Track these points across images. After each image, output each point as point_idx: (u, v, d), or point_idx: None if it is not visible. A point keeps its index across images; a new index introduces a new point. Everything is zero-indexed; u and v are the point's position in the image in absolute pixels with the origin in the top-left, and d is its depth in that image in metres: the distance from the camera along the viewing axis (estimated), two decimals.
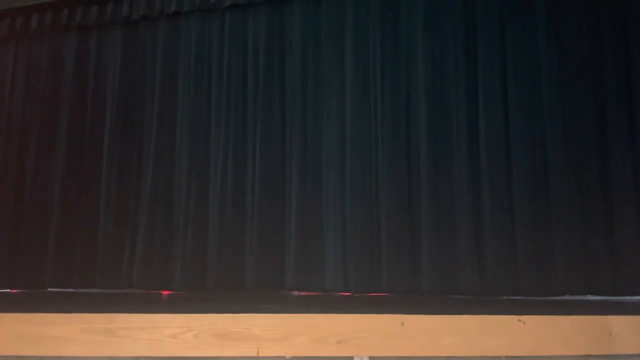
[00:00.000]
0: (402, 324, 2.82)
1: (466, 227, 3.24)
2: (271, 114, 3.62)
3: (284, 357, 2.48)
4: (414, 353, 2.79)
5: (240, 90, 3.75)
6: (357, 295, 3.31)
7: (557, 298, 3.11)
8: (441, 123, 3.38)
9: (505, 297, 3.13)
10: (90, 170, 3.88)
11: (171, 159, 3.77)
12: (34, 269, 3.73)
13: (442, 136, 3.37)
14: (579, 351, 2.76)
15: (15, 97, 4.08)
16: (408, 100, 3.45)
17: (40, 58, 4.13)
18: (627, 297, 3.06)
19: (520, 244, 3.17)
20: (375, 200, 3.37)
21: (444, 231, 3.25)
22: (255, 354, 2.53)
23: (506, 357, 2.77)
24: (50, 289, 3.70)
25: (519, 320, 2.78)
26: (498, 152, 3.29)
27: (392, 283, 3.26)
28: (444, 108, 3.40)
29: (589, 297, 3.10)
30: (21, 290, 3.69)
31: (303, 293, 3.35)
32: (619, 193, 3.14)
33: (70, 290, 3.63)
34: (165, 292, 3.63)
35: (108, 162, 3.85)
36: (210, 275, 3.50)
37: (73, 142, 3.94)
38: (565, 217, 3.15)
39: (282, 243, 3.41)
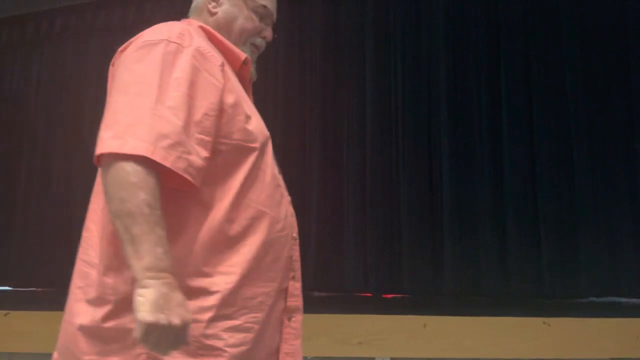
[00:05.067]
0: (424, 325, 2.80)
1: (489, 228, 3.19)
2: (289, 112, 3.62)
3: (305, 357, 2.48)
4: (435, 355, 2.76)
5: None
6: (377, 296, 3.29)
7: (583, 300, 3.05)
8: (463, 124, 3.35)
9: (529, 299, 3.08)
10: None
11: None
12: (58, 267, 3.80)
13: (464, 138, 3.33)
14: (605, 354, 2.71)
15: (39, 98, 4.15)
16: (429, 100, 3.42)
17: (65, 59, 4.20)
18: None
19: (545, 245, 3.12)
20: (396, 201, 3.35)
21: (467, 232, 3.21)
22: None
23: (530, 359, 2.73)
24: None
25: (544, 323, 2.75)
26: (522, 154, 3.25)
27: (414, 284, 3.23)
28: (466, 109, 3.36)
29: (616, 300, 3.04)
30: (46, 289, 3.75)
31: (323, 293, 3.35)
32: None
33: None
34: None
35: None
36: None
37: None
38: (591, 218, 3.09)
39: (302, 243, 3.40)
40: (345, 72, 3.57)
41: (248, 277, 1.07)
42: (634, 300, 3.01)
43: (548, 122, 3.25)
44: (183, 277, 1.00)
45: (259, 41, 1.32)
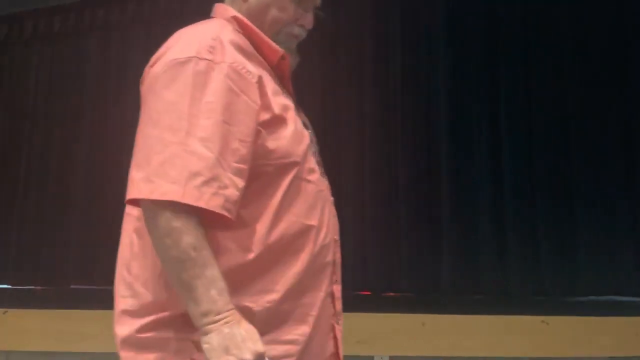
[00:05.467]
0: (423, 324, 2.80)
1: (488, 226, 3.19)
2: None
3: None
4: (434, 353, 2.76)
5: None
6: (376, 294, 3.29)
7: (582, 299, 3.05)
8: (462, 123, 3.34)
9: (528, 298, 3.08)
10: (116, 170, 3.91)
11: None
12: (56, 266, 3.79)
13: (463, 135, 3.33)
14: (604, 353, 2.71)
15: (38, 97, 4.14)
16: (429, 99, 3.42)
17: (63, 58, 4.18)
18: None
19: (544, 243, 3.11)
20: (395, 199, 3.34)
21: (466, 230, 3.21)
22: None
23: (529, 358, 2.73)
24: (73, 286, 3.76)
25: (543, 322, 2.74)
26: (521, 151, 3.25)
27: (413, 283, 3.23)
28: (466, 108, 3.36)
29: (615, 298, 3.04)
30: (44, 288, 3.74)
31: None
32: None
33: (93, 287, 3.68)
34: None
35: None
36: None
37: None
38: (590, 216, 3.09)
39: None
40: (344, 70, 3.57)
41: (292, 291, 1.04)
42: (633, 299, 3.01)
43: (548, 122, 3.26)
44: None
45: (297, 30, 1.20)
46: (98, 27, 4.01)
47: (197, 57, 1.00)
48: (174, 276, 0.94)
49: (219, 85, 0.98)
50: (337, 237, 1.21)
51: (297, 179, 1.07)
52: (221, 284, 0.93)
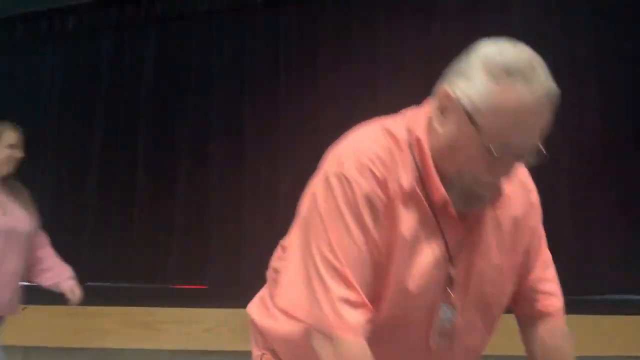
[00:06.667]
0: None
1: None
2: (301, 112, 3.64)
3: None
4: None
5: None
6: None
7: (598, 297, 3.02)
8: None
9: None
10: (126, 170, 3.95)
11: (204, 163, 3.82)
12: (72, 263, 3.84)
13: None
14: (619, 351, 2.69)
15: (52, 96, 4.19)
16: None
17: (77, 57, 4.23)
18: None
19: (559, 241, 3.08)
20: None
21: None
22: None
23: None
24: (89, 283, 3.81)
25: None
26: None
27: None
28: None
29: (631, 297, 3.01)
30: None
31: None
32: None
33: (107, 284, 3.72)
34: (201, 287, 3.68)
35: (144, 162, 3.92)
36: (243, 271, 3.55)
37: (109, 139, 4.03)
38: (606, 214, 3.06)
39: None
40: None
41: None
42: None
43: (563, 118, 3.21)
44: None
45: (487, 178, 0.99)
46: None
47: (347, 180, 1.02)
48: None
49: (357, 219, 1.02)
50: None
51: None
52: None
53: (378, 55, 3.57)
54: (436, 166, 1.02)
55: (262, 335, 1.18)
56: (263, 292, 1.24)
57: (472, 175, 0.99)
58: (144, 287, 3.68)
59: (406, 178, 1.02)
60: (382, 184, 1.00)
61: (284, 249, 1.20)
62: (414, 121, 1.05)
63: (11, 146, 2.32)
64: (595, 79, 3.19)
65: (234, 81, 3.85)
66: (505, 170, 0.99)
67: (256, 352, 1.20)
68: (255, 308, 1.22)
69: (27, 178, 2.64)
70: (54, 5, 4.15)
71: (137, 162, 3.93)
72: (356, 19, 3.66)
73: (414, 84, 3.09)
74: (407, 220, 1.01)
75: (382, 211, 1.00)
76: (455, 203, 1.02)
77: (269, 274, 1.23)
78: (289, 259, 1.11)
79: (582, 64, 3.21)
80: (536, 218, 1.17)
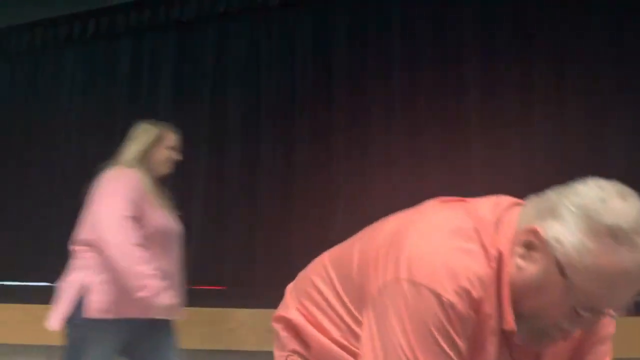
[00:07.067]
0: None
1: None
2: (317, 115, 3.67)
3: None
4: None
5: None
6: None
7: None
8: (493, 115, 3.33)
9: None
10: None
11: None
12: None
13: (493, 130, 3.31)
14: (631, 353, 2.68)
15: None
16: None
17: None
18: None
19: None
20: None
21: None
22: None
23: None
24: None
25: None
26: (554, 145, 3.24)
27: None
28: (497, 101, 3.35)
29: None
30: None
31: None
32: None
33: None
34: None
35: None
36: (259, 272, 3.58)
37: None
38: None
39: (328, 240, 3.43)
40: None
41: None
42: None
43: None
44: None
45: (565, 327, 0.90)
46: None
47: (441, 299, 0.90)
48: None
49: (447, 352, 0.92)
50: None
51: None
52: None
53: (393, 54, 3.59)
54: (512, 297, 0.91)
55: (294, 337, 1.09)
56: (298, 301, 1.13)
57: (550, 321, 0.90)
58: None
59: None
60: (477, 304, 0.90)
61: (325, 267, 1.11)
62: (504, 236, 0.93)
63: (171, 148, 2.32)
64: None
65: (249, 81, 3.90)
66: (588, 324, 0.92)
67: (279, 353, 1.13)
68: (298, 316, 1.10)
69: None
70: (75, 10, 4.21)
71: None
72: (371, 21, 3.68)
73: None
74: (492, 342, 0.93)
75: (470, 329, 0.91)
76: (523, 336, 0.93)
77: (308, 289, 1.12)
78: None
79: None
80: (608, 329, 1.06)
